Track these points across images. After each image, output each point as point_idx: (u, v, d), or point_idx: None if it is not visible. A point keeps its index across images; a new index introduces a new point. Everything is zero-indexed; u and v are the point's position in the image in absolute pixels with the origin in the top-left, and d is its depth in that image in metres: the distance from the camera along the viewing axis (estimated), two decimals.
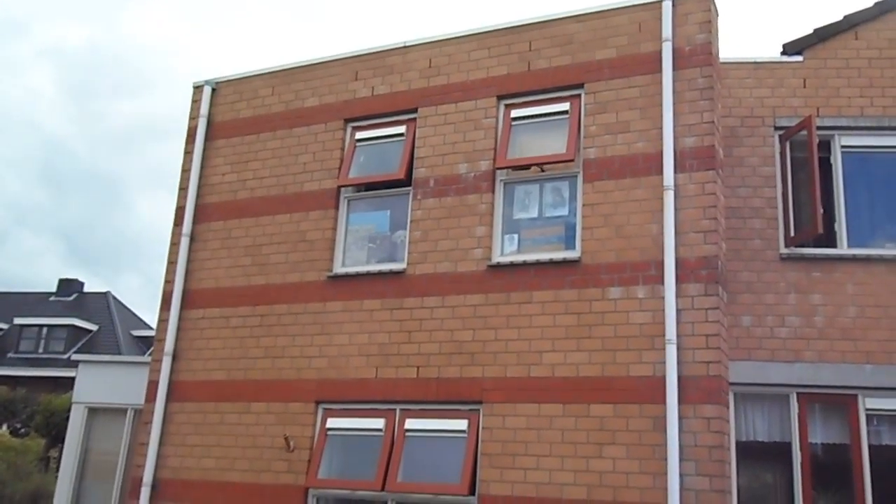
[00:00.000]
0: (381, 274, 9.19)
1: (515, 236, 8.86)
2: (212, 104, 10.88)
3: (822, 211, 9.20)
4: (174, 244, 10.50)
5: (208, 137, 10.79)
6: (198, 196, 10.59)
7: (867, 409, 8.78)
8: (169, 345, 9.99)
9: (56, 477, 12.57)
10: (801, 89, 9.79)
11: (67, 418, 12.21)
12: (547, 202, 8.84)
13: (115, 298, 39.86)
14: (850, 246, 9.37)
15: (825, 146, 9.67)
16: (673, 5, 8.61)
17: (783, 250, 9.35)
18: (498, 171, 9.02)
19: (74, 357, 12.48)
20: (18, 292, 41.17)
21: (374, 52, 10.06)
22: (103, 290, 41.46)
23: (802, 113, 9.66)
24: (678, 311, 7.72)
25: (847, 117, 9.66)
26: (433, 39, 9.73)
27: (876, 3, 9.89)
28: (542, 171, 9.01)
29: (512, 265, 8.58)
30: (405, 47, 9.87)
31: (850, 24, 9.94)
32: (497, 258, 8.74)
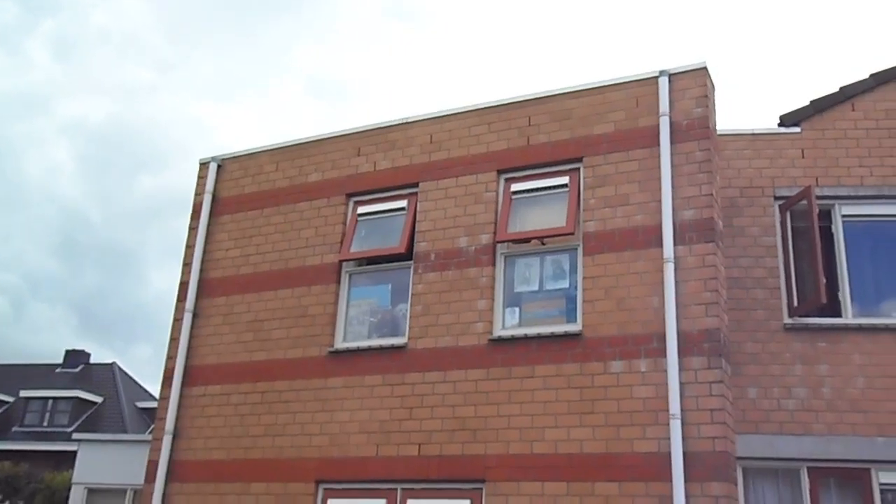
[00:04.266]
0: (382, 349, 9.16)
1: (517, 310, 8.85)
2: (217, 180, 11.02)
3: (824, 280, 9.17)
4: (177, 320, 10.50)
5: (213, 213, 10.89)
6: (201, 271, 10.63)
7: (881, 484, 8.58)
8: (170, 423, 9.89)
9: None
10: (799, 160, 9.87)
11: (68, 497, 12.05)
12: (548, 275, 8.86)
13: (120, 369, 39.66)
14: (854, 315, 9.31)
15: (826, 215, 9.69)
16: (669, 81, 8.76)
17: (787, 320, 9.28)
18: (499, 245, 9.06)
19: (76, 436, 12.40)
20: (26, 364, 41.04)
21: (376, 128, 10.23)
22: (110, 360, 41.33)
23: (802, 183, 9.71)
24: (681, 384, 7.64)
25: (847, 186, 9.71)
26: (434, 115, 9.90)
27: (871, 75, 10.04)
28: (543, 244, 9.05)
29: (513, 339, 8.54)
30: (406, 123, 10.04)
31: (847, 95, 10.06)
32: (498, 332, 8.71)
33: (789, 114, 10.10)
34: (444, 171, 9.57)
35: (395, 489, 8.56)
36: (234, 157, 11.11)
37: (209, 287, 10.53)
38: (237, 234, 10.64)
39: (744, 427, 8.77)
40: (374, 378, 9.03)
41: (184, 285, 10.62)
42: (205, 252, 10.73)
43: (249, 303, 10.16)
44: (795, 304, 9.36)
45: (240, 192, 10.87)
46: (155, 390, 39.79)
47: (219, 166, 11.11)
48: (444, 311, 8.95)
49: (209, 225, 10.84)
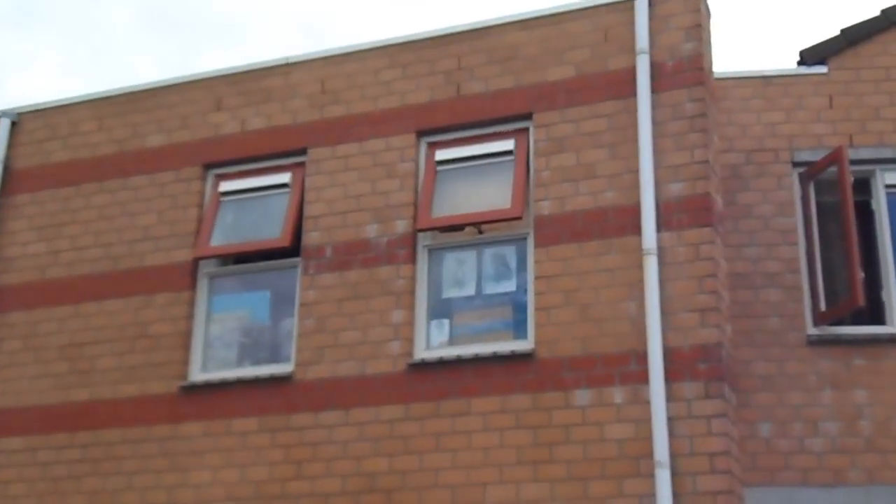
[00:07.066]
0: (258, 381, 9.63)
1: (446, 322, 9.49)
2: (10, 144, 11.34)
3: (862, 275, 9.97)
4: None
5: (5, 191, 11.20)
6: None
7: None
8: None
9: None
10: (826, 111, 10.64)
11: None
12: (488, 275, 9.51)
13: None
14: None
15: (863, 186, 10.53)
16: (650, 5, 9.44)
17: (812, 331, 10.04)
18: (420, 235, 9.65)
19: None
20: None
21: (244, 72, 10.72)
22: None
23: (830, 143, 10.45)
24: (670, 420, 8.27)
25: (891, 146, 10.50)
26: (327, 54, 10.43)
27: None
28: (481, 232, 9.75)
29: (442, 362, 9.13)
30: (287, 65, 10.54)
31: (890, 21, 10.81)
32: (421, 353, 9.30)
33: (812, 48, 10.82)
34: (343, 132, 10.11)
35: None
36: (37, 111, 11.43)
37: (0, 297, 10.84)
38: (41, 222, 10.99)
39: (754, 477, 9.45)
40: (247, 422, 9.49)
41: None
42: None
43: (62, 319, 10.52)
44: (823, 308, 10.13)
45: (44, 161, 11.21)
46: None
47: (13, 124, 11.40)
48: (346, 327, 9.48)
49: None
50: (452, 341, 9.45)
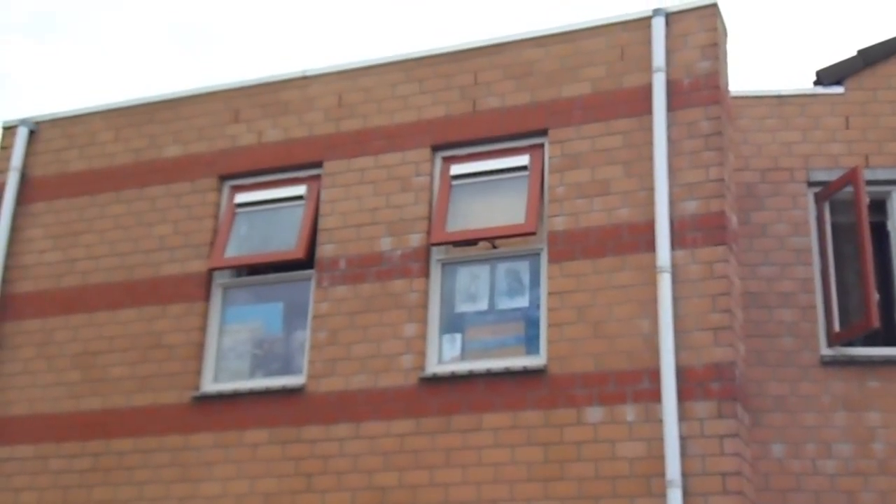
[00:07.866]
0: (269, 393, 9.70)
1: (458, 337, 9.54)
2: (28, 153, 11.47)
3: (877, 296, 9.94)
4: None
5: (22, 199, 11.34)
6: (4, 282, 11.04)
7: None
8: None
9: None
10: (842, 131, 10.65)
11: None
12: (501, 290, 9.56)
13: None
14: None
15: (879, 207, 10.53)
16: (666, 23, 9.52)
17: (826, 351, 10.04)
18: (434, 249, 9.73)
19: None
20: None
21: (262, 84, 10.82)
22: None
23: (846, 163, 10.48)
24: (682, 439, 8.30)
25: None
26: (344, 68, 10.52)
27: None
28: (494, 247, 9.78)
29: (454, 377, 9.18)
30: (305, 78, 10.63)
31: None
32: (433, 367, 9.36)
33: (829, 68, 10.81)
34: (358, 145, 10.21)
35: None
36: (55, 120, 11.55)
37: (16, 305, 10.94)
38: (58, 231, 11.09)
39: (767, 498, 9.46)
40: (258, 433, 9.56)
41: None
42: (8, 254, 11.15)
43: (76, 328, 10.61)
44: (837, 328, 10.12)
45: (62, 171, 11.33)
46: None
47: (31, 132, 11.53)
48: (359, 340, 9.55)
49: (15, 216, 11.28)
50: (464, 356, 9.51)
